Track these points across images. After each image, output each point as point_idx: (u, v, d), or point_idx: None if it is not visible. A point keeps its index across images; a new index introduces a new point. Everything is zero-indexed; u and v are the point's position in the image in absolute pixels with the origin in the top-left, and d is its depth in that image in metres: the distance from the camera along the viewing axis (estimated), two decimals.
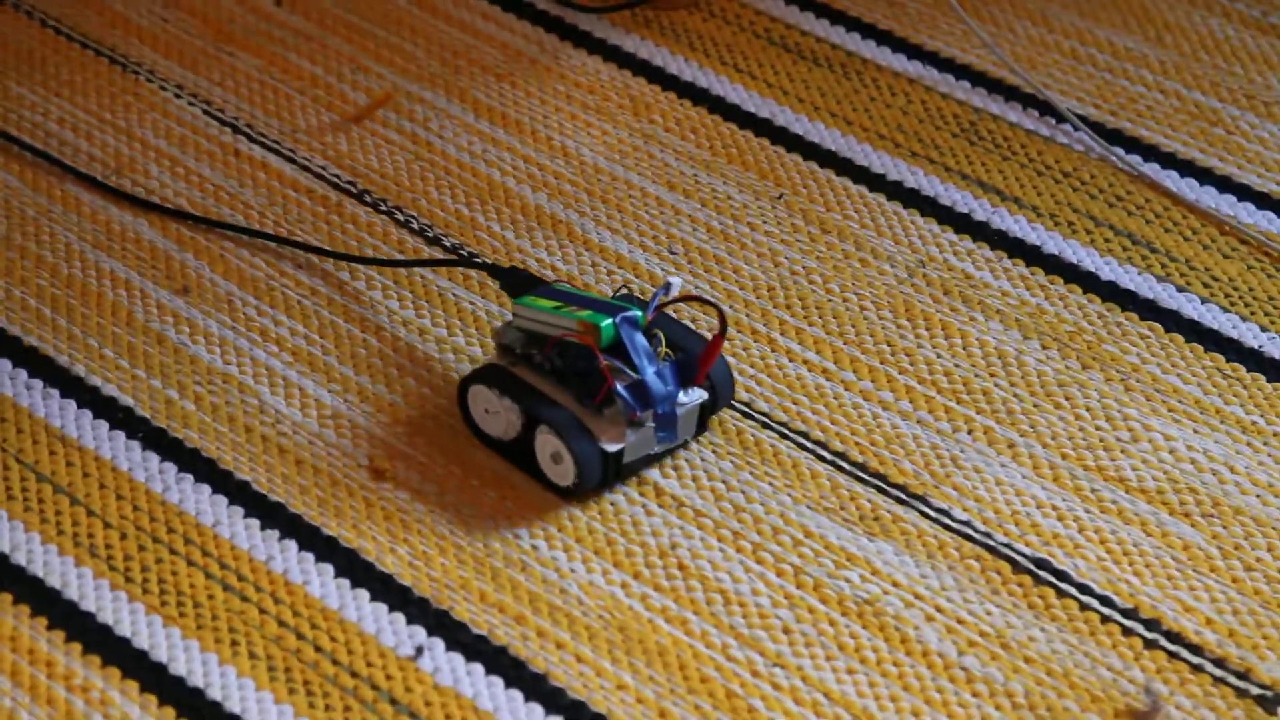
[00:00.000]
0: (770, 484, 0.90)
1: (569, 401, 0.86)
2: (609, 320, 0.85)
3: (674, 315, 0.94)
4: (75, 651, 0.83)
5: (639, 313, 0.87)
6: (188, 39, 1.18)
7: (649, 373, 0.85)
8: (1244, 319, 1.00)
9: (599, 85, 1.16)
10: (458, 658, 0.83)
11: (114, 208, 1.06)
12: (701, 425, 0.90)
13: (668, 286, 0.88)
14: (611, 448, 0.85)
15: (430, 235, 1.05)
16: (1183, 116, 1.13)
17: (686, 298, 0.92)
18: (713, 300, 0.93)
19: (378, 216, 1.06)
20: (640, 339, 0.86)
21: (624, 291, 0.93)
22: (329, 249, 1.03)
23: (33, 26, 1.18)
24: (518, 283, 0.93)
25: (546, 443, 0.86)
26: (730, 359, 0.92)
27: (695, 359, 0.87)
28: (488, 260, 0.99)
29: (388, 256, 1.03)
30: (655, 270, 1.03)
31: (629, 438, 0.85)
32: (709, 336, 0.88)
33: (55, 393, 0.95)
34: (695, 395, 0.87)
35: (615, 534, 0.88)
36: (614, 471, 0.87)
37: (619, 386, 0.84)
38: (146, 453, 0.92)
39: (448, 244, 1.04)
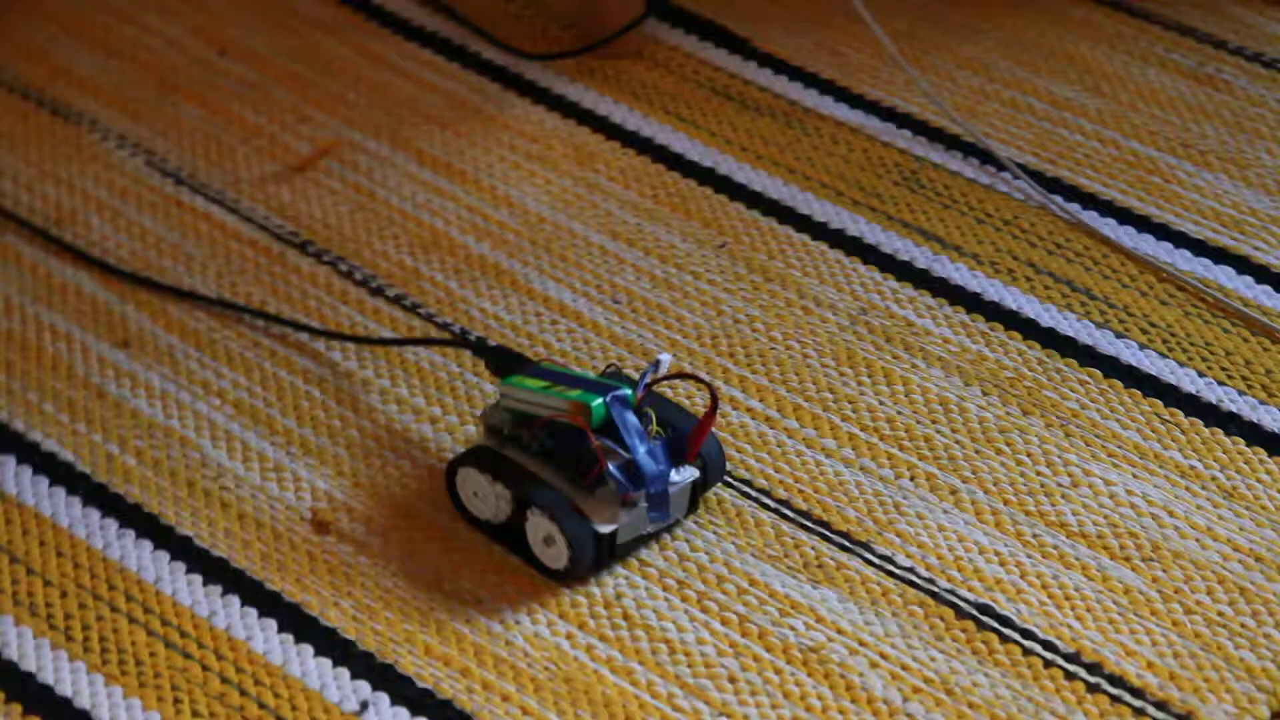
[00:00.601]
0: (714, 532, 0.90)
1: (560, 483, 0.85)
2: (600, 400, 0.85)
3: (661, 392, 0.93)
4: (15, 713, 0.82)
5: (629, 391, 0.86)
6: (130, 88, 1.18)
7: (641, 452, 0.84)
8: (1181, 364, 1.01)
9: (543, 134, 1.16)
10: (403, 712, 0.83)
11: (54, 260, 1.06)
12: (694, 503, 0.90)
13: (657, 364, 0.87)
14: (605, 529, 0.84)
15: (373, 286, 1.05)
16: (1120, 165, 1.14)
17: (677, 374, 0.92)
18: (705, 379, 0.93)
19: (320, 267, 1.06)
20: (632, 418, 0.85)
21: (612, 369, 0.93)
22: (301, 322, 1.03)
23: None
24: (504, 362, 0.93)
25: (538, 525, 0.85)
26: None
27: (686, 437, 0.86)
28: (475, 338, 0.99)
29: (346, 326, 1.03)
30: (599, 320, 1.03)
31: (622, 518, 0.85)
32: (699, 414, 0.88)
33: None
34: (687, 473, 0.87)
35: (560, 584, 0.88)
36: (608, 552, 0.86)
37: (611, 467, 0.84)
38: (87, 509, 0.92)
39: (390, 294, 1.04)
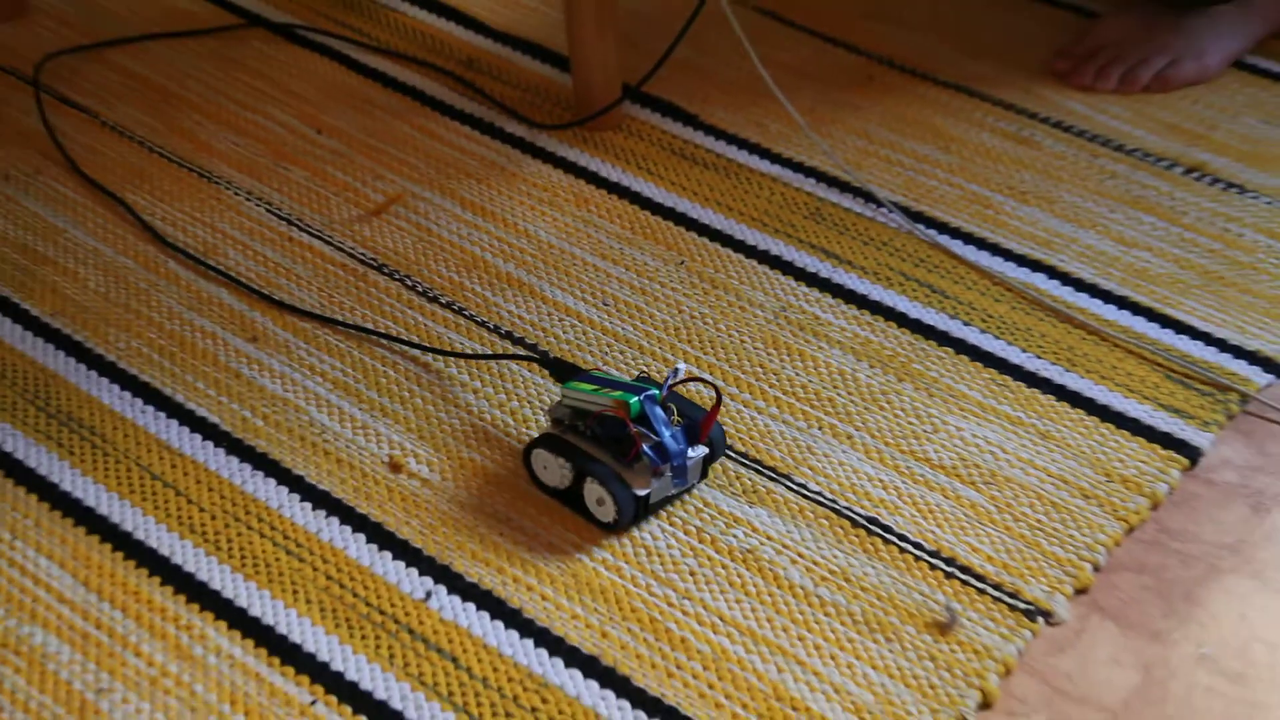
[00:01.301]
0: None
1: (608, 459, 0.85)
2: (636, 398, 0.85)
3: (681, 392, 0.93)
4: (180, 600, 0.83)
5: (657, 391, 0.86)
6: (253, 158, 1.17)
7: (666, 436, 0.84)
8: (1009, 343, 1.01)
9: (550, 185, 1.16)
10: (456, 599, 0.83)
11: (203, 280, 1.06)
12: (704, 473, 0.89)
13: (676, 371, 0.87)
14: (641, 492, 0.84)
15: (430, 295, 1.05)
16: (964, 201, 1.14)
17: (691, 378, 0.91)
18: (711, 380, 0.94)
19: (393, 283, 1.06)
20: (659, 411, 0.85)
21: (643, 374, 0.93)
22: (407, 339, 1.02)
23: (143, 152, 1.18)
24: (563, 369, 0.93)
25: (593, 490, 0.85)
26: (657, 381, 0.93)
27: (698, 424, 0.87)
28: (540, 353, 0.98)
29: (444, 345, 1.03)
30: (593, 318, 1.03)
31: (654, 484, 0.85)
32: (707, 407, 0.88)
33: (162, 414, 0.95)
34: (699, 451, 0.86)
35: (570, 510, 0.88)
36: (644, 510, 0.86)
37: (645, 447, 0.84)
38: (229, 457, 0.92)
39: (443, 301, 1.04)
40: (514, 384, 0.98)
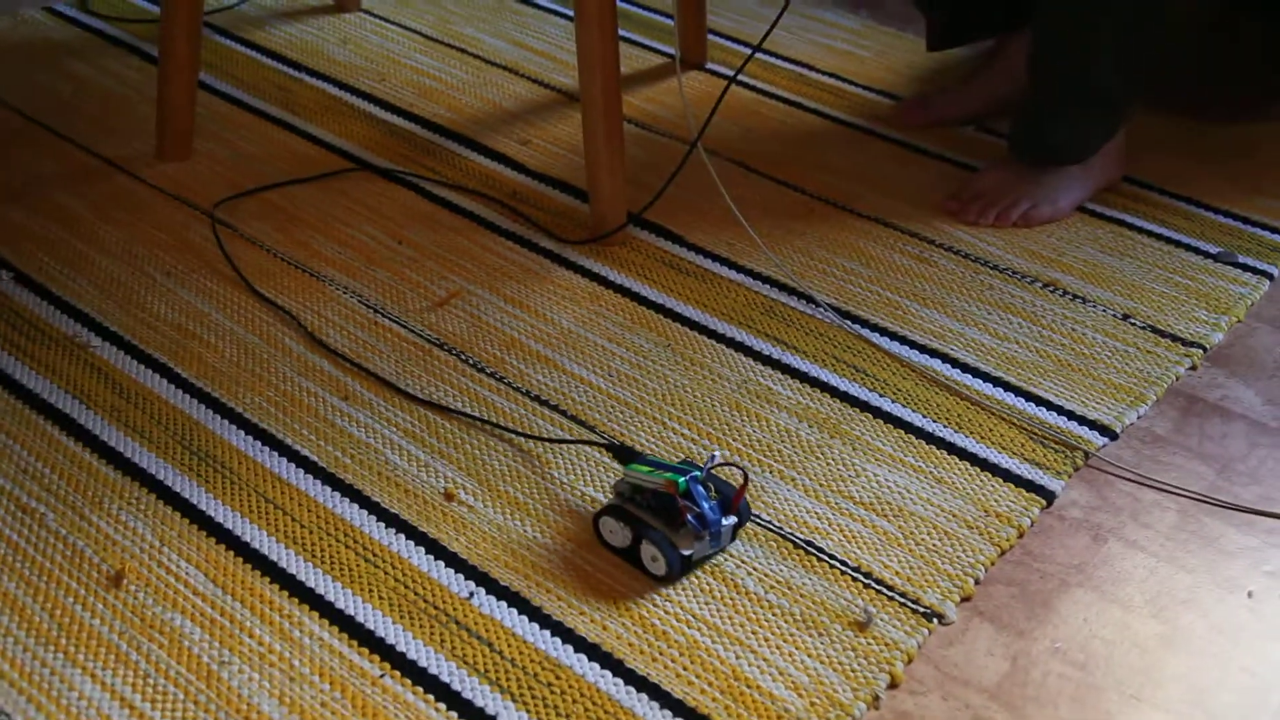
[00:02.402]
0: None
1: (660, 525, 0.83)
2: (683, 479, 0.82)
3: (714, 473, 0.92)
4: (285, 595, 0.82)
5: (699, 472, 0.84)
6: (349, 262, 1.17)
7: (706, 508, 0.82)
8: (914, 410, 1.00)
9: (571, 286, 1.15)
10: (493, 599, 0.82)
11: (310, 353, 1.05)
12: (733, 536, 0.87)
13: (713, 457, 0.85)
14: (686, 552, 0.82)
15: (479, 367, 1.04)
16: (880, 304, 1.13)
17: (725, 463, 0.89)
18: (740, 465, 0.92)
19: (451, 357, 1.05)
20: (700, 488, 0.83)
21: (685, 459, 0.91)
22: (482, 417, 1.01)
23: (270, 257, 1.17)
24: (624, 453, 0.91)
25: (648, 550, 0.82)
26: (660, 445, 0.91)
27: (730, 498, 0.84)
28: (605, 439, 0.94)
29: (523, 428, 1.01)
30: (601, 385, 1.02)
31: (696, 546, 0.82)
32: (736, 485, 0.86)
33: (276, 453, 0.94)
34: (731, 520, 0.84)
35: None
36: (688, 566, 0.84)
37: (689, 517, 0.82)
38: (324, 487, 0.91)
39: (488, 371, 1.03)
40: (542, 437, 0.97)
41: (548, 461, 0.94)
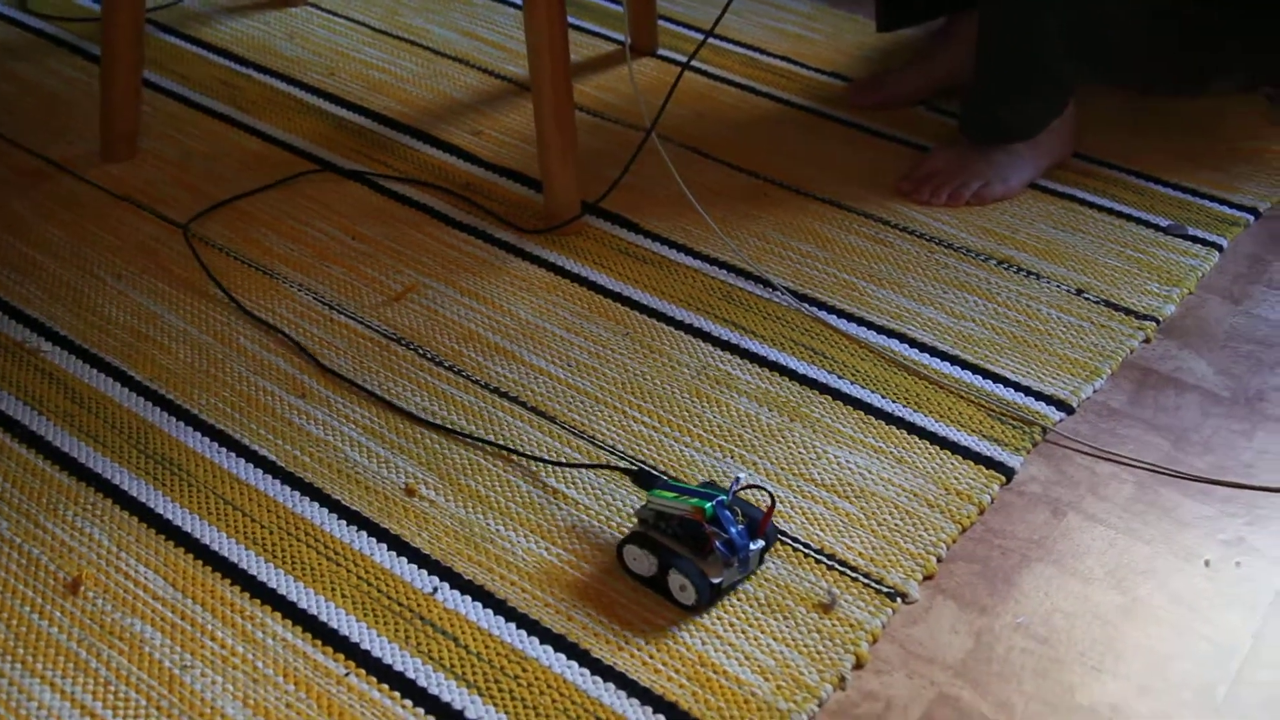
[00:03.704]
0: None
1: (687, 553, 0.80)
2: (710, 504, 0.80)
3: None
4: (246, 597, 0.82)
5: (725, 497, 0.82)
6: (303, 259, 1.16)
7: (734, 533, 0.80)
8: (873, 392, 1.01)
9: (528, 277, 1.15)
10: (456, 593, 0.82)
11: (264, 351, 1.04)
12: (761, 560, 0.84)
13: (738, 480, 0.83)
14: (715, 580, 0.79)
15: (436, 360, 1.03)
16: (837, 285, 1.14)
17: (750, 485, 0.88)
18: (767, 488, 0.90)
19: (409, 352, 1.04)
20: (728, 514, 0.80)
21: (708, 480, 0.89)
22: (513, 448, 0.98)
23: (223, 256, 1.16)
24: (645, 479, 0.87)
25: (676, 579, 0.80)
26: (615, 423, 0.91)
27: (757, 523, 0.82)
28: (625, 465, 0.91)
29: (534, 451, 0.98)
30: (559, 375, 1.02)
31: (725, 573, 0.80)
32: (764, 509, 0.84)
33: (233, 454, 0.93)
34: (759, 544, 0.82)
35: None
36: (716, 594, 0.81)
37: (718, 544, 0.79)
38: (283, 486, 0.90)
39: (446, 364, 1.02)
40: (508, 432, 0.96)
41: (506, 456, 0.93)
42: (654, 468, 0.92)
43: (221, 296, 1.10)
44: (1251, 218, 1.24)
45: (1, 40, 1.47)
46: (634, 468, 0.91)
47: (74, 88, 1.42)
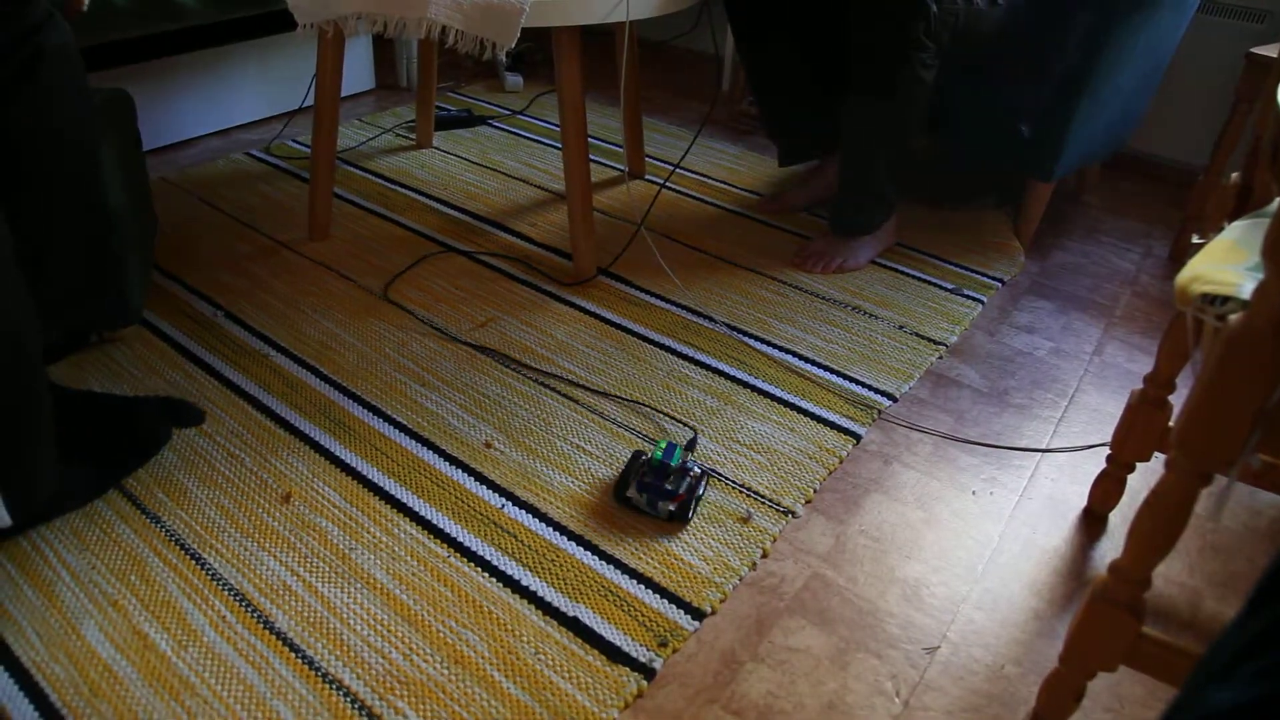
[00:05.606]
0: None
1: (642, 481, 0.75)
2: (657, 456, 0.76)
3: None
4: (388, 507, 0.79)
5: (660, 456, 0.77)
6: (425, 300, 1.15)
7: (653, 480, 0.76)
8: (776, 387, 0.99)
9: (563, 313, 1.13)
10: (517, 509, 0.80)
11: (401, 357, 1.03)
12: (686, 508, 0.79)
13: (685, 448, 0.79)
14: (627, 495, 0.75)
15: (507, 365, 1.01)
16: (756, 321, 1.12)
17: (690, 450, 0.83)
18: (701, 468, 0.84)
19: (488, 358, 1.02)
20: (658, 469, 0.76)
21: (679, 443, 0.83)
22: (538, 415, 0.96)
23: (371, 297, 1.16)
24: (691, 443, 0.80)
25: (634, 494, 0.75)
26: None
27: (682, 482, 0.78)
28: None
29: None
30: (584, 375, 1.00)
31: (635, 496, 0.76)
32: (696, 479, 0.79)
33: (381, 419, 0.91)
34: (672, 492, 0.77)
35: (576, 464, 0.85)
36: (626, 503, 0.77)
37: (640, 479, 0.76)
38: (411, 440, 0.88)
39: (513, 367, 1.00)
40: (548, 409, 0.96)
41: (550, 423, 0.94)
42: (641, 434, 0.92)
43: (378, 322, 1.09)
44: (1000, 284, 1.26)
45: (254, 170, 1.47)
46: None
47: (293, 198, 1.41)
